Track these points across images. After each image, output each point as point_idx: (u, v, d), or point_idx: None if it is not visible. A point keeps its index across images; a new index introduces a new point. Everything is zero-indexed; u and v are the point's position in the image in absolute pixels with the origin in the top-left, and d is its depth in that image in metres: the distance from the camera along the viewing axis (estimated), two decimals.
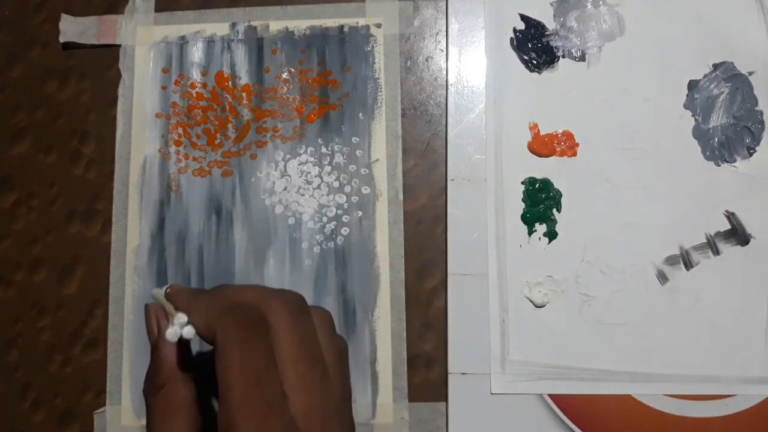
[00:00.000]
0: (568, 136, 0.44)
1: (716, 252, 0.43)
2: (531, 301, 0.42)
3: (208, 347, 0.32)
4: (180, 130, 0.45)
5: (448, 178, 0.44)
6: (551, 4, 0.45)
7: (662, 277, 0.42)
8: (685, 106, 0.44)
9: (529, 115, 0.44)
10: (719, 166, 0.43)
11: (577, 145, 0.44)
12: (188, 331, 0.32)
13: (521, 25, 0.45)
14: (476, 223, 0.43)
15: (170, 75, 0.46)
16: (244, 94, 0.46)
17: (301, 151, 0.45)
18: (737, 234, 0.43)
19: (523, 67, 0.45)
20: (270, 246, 0.44)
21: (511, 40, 0.45)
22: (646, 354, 0.42)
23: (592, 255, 0.43)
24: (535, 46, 0.45)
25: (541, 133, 0.44)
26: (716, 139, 0.43)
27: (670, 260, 0.43)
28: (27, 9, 0.48)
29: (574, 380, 0.42)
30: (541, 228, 0.43)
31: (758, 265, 0.42)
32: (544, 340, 0.42)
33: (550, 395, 0.42)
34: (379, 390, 0.42)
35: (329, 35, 0.46)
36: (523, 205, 0.43)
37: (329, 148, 0.45)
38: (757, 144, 0.43)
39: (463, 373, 0.42)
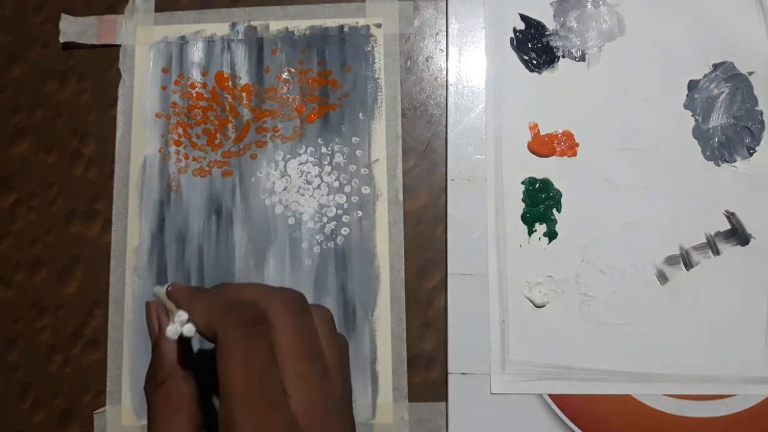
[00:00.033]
0: (568, 136, 0.44)
1: (716, 252, 0.43)
2: (531, 301, 0.42)
3: (209, 345, 0.32)
4: (180, 130, 0.45)
5: (448, 178, 0.44)
6: (551, 4, 0.45)
7: (662, 277, 0.42)
8: (685, 106, 0.44)
9: (529, 115, 0.44)
10: (719, 166, 0.43)
11: (577, 145, 0.44)
12: (188, 329, 0.32)
13: (521, 25, 0.45)
14: (476, 223, 0.43)
15: (170, 75, 0.46)
16: (244, 94, 0.46)
17: (301, 151, 0.45)
18: (737, 234, 0.43)
19: (523, 67, 0.45)
20: (270, 246, 0.44)
21: (511, 40, 0.45)
22: (646, 354, 0.42)
23: (592, 255, 0.43)
24: (535, 46, 0.45)
25: (541, 133, 0.44)
26: (716, 139, 0.43)
27: (670, 260, 0.43)
28: (27, 9, 0.48)
29: (574, 380, 0.42)
30: (541, 228, 0.43)
31: (758, 265, 0.42)
32: (544, 340, 0.42)
33: (550, 395, 0.42)
34: (379, 390, 0.42)
35: (329, 35, 0.46)
36: (523, 205, 0.43)
37: (329, 148, 0.45)
38: (757, 144, 0.43)
39: (463, 373, 0.42)
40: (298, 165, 0.45)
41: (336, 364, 0.33)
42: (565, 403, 0.42)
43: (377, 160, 0.44)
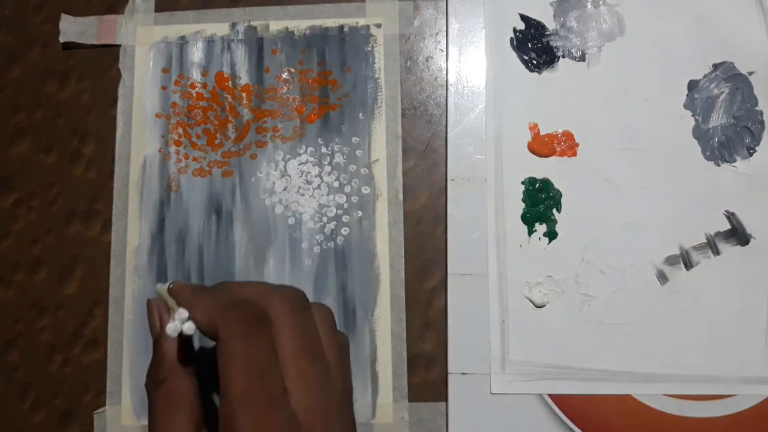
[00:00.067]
0: (568, 136, 0.44)
1: (716, 252, 0.43)
2: (531, 301, 0.42)
3: (210, 343, 0.32)
4: (180, 130, 0.45)
5: (448, 178, 0.44)
6: (551, 4, 0.45)
7: (662, 277, 0.42)
8: (685, 106, 0.44)
9: (529, 115, 0.44)
10: (719, 166, 0.43)
11: (577, 145, 0.44)
12: (189, 327, 0.32)
13: (521, 25, 0.45)
14: (476, 223, 0.43)
15: (170, 75, 0.46)
16: (244, 94, 0.46)
17: (301, 151, 0.45)
18: (737, 234, 0.43)
19: (523, 67, 0.45)
20: (270, 246, 0.44)
21: (511, 40, 0.45)
22: (646, 354, 0.42)
23: (592, 255, 0.43)
24: (535, 46, 0.45)
25: (541, 133, 0.44)
26: (716, 139, 0.43)
27: (670, 260, 0.43)
28: (27, 9, 0.48)
29: (574, 380, 0.42)
30: (541, 228, 0.43)
31: (758, 265, 0.42)
32: (544, 340, 0.42)
33: (550, 395, 0.42)
34: (379, 390, 0.42)
35: (329, 35, 0.46)
36: (523, 205, 0.43)
37: (329, 148, 0.45)
38: (757, 144, 0.43)
39: (463, 373, 0.42)
40: (298, 165, 0.45)
41: (337, 362, 0.33)
42: (565, 403, 0.41)
43: (377, 160, 0.44)
